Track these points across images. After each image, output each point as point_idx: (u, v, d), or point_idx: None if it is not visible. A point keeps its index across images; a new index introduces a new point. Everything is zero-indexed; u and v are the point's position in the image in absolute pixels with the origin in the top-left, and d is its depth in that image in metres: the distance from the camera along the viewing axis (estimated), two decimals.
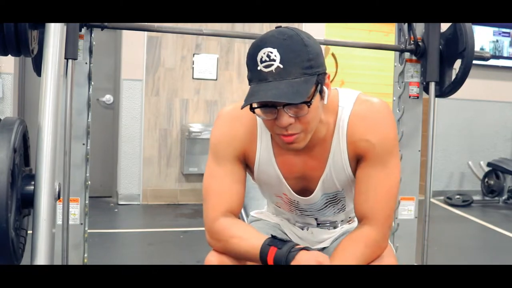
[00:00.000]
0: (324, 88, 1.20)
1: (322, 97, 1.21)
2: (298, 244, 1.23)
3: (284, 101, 1.12)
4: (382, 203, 1.29)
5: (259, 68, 1.14)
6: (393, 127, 1.31)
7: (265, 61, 1.13)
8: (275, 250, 1.20)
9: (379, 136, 1.27)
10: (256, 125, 1.33)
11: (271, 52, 1.13)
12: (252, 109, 1.19)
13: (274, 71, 1.13)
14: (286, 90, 1.12)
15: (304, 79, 1.14)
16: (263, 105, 1.17)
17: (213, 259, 1.31)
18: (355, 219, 1.56)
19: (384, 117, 1.29)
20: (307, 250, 1.21)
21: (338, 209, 1.47)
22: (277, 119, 1.17)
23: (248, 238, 1.26)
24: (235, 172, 1.34)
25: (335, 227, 1.55)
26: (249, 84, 1.18)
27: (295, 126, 1.18)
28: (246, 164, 1.37)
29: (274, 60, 1.13)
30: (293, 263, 1.17)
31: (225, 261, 1.30)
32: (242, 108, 1.16)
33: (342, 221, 1.54)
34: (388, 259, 1.33)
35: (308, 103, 1.15)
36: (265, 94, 1.12)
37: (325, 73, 1.20)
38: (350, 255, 1.25)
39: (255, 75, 1.16)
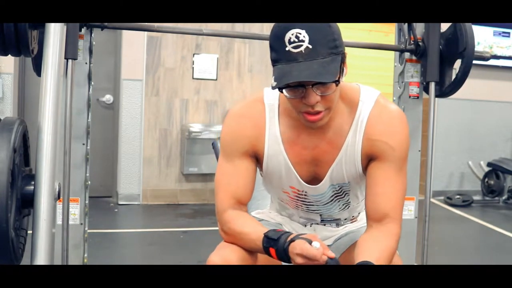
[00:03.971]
0: (343, 67, 1.26)
1: (343, 75, 1.26)
2: (288, 235, 1.26)
3: (320, 80, 1.17)
4: (400, 203, 1.36)
5: (287, 49, 1.18)
6: (408, 135, 1.37)
7: (294, 41, 1.17)
8: (274, 251, 1.26)
9: (398, 141, 1.33)
10: (264, 117, 1.38)
11: (300, 33, 1.17)
12: (280, 89, 1.23)
13: (303, 51, 1.17)
14: (319, 70, 1.16)
15: (331, 58, 1.19)
16: (293, 85, 1.20)
17: (216, 259, 1.32)
18: (359, 218, 1.58)
19: (403, 125, 1.35)
20: (295, 240, 1.24)
21: (344, 204, 1.49)
22: (304, 98, 1.21)
23: (250, 233, 1.32)
24: (243, 167, 1.39)
25: (338, 225, 1.55)
26: (274, 65, 1.22)
27: (321, 104, 1.23)
28: (256, 158, 1.41)
29: (303, 41, 1.17)
30: (291, 257, 1.22)
31: (228, 261, 1.31)
32: (274, 88, 1.21)
33: (345, 219, 1.55)
34: (395, 258, 1.35)
35: (337, 81, 1.20)
36: (299, 75, 1.17)
37: (344, 52, 1.26)
38: (384, 248, 1.29)
39: (283, 56, 1.20)
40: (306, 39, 1.17)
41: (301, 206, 1.49)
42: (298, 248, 1.21)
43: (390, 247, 1.30)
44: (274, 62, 1.22)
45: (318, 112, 1.24)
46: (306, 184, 1.41)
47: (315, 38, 1.17)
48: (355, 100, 1.35)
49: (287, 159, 1.38)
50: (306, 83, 1.19)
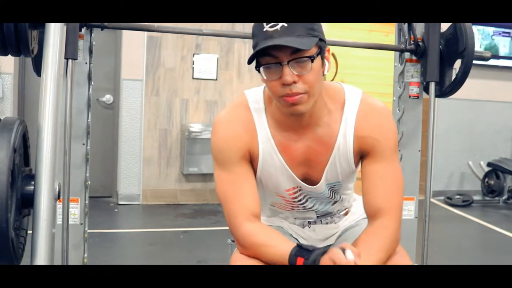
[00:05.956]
0: (325, 60, 1.28)
1: (323, 65, 1.27)
2: (323, 250, 1.22)
3: (292, 45, 1.18)
4: (392, 196, 1.34)
5: (265, 29, 1.21)
6: (395, 129, 1.40)
7: (271, 22, 1.20)
8: (302, 261, 1.22)
9: (385, 135, 1.35)
10: (253, 121, 1.36)
11: None
12: (257, 68, 1.24)
13: (279, 29, 1.20)
14: (292, 40, 1.19)
15: (308, 37, 1.21)
16: (268, 63, 1.22)
17: (239, 258, 1.33)
18: (351, 209, 1.59)
19: (389, 119, 1.38)
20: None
21: (335, 200, 1.50)
22: (281, 77, 1.22)
23: (275, 245, 1.28)
24: (245, 173, 1.36)
25: (332, 217, 1.55)
26: (254, 50, 1.24)
27: (299, 85, 1.23)
28: (251, 162, 1.39)
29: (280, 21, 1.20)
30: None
31: (250, 262, 1.31)
32: (248, 62, 1.23)
33: (338, 210, 1.56)
34: (403, 259, 1.34)
35: (312, 57, 1.21)
36: (271, 42, 1.19)
37: (325, 44, 1.28)
38: (373, 248, 1.27)
39: (260, 37, 1.22)
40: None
41: (298, 207, 1.49)
42: (327, 258, 1.17)
43: (382, 245, 1.28)
44: (254, 47, 1.24)
45: (296, 93, 1.23)
46: (306, 185, 1.41)
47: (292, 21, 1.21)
48: (341, 99, 1.36)
49: (282, 161, 1.37)
50: (282, 59, 1.20)
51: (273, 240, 1.30)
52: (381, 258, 1.27)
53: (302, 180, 1.41)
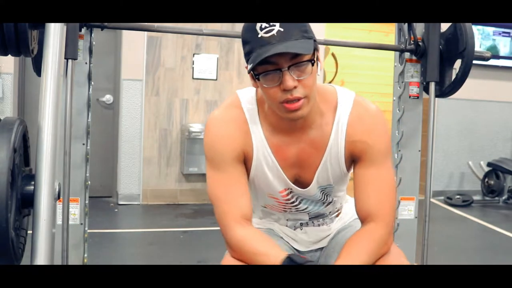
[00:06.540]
0: (318, 61, 1.27)
1: (317, 68, 1.26)
2: (310, 260, 1.23)
3: (295, 51, 1.17)
4: (383, 200, 1.33)
5: (260, 35, 1.18)
6: (388, 133, 1.38)
7: (265, 27, 1.18)
8: None
9: (376, 140, 1.34)
10: (246, 122, 1.36)
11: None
12: (257, 76, 1.22)
13: (276, 34, 1.17)
14: (293, 45, 1.17)
15: (304, 40, 1.20)
16: (267, 70, 1.20)
17: (231, 261, 1.32)
18: (343, 210, 1.59)
19: (381, 123, 1.36)
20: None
21: (328, 202, 1.50)
22: (282, 83, 1.20)
23: (266, 254, 1.26)
24: (238, 174, 1.35)
25: (324, 219, 1.54)
26: (248, 56, 1.21)
27: (299, 90, 1.22)
28: (245, 162, 1.38)
29: (275, 25, 1.18)
30: None
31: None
32: (250, 69, 1.20)
33: (330, 212, 1.55)
34: (397, 259, 1.34)
35: (312, 61, 1.21)
36: (275, 50, 1.16)
37: (317, 44, 1.26)
38: (359, 252, 1.27)
39: (256, 44, 1.19)
40: (277, 23, 1.18)
41: (290, 209, 1.49)
42: None
43: (368, 249, 1.28)
44: (248, 53, 1.22)
45: (297, 99, 1.22)
46: (298, 188, 1.41)
47: (286, 23, 1.18)
48: (333, 101, 1.35)
49: (275, 163, 1.37)
50: (282, 65, 1.19)
51: (264, 248, 1.28)
52: (365, 261, 1.26)
53: (293, 182, 1.40)
